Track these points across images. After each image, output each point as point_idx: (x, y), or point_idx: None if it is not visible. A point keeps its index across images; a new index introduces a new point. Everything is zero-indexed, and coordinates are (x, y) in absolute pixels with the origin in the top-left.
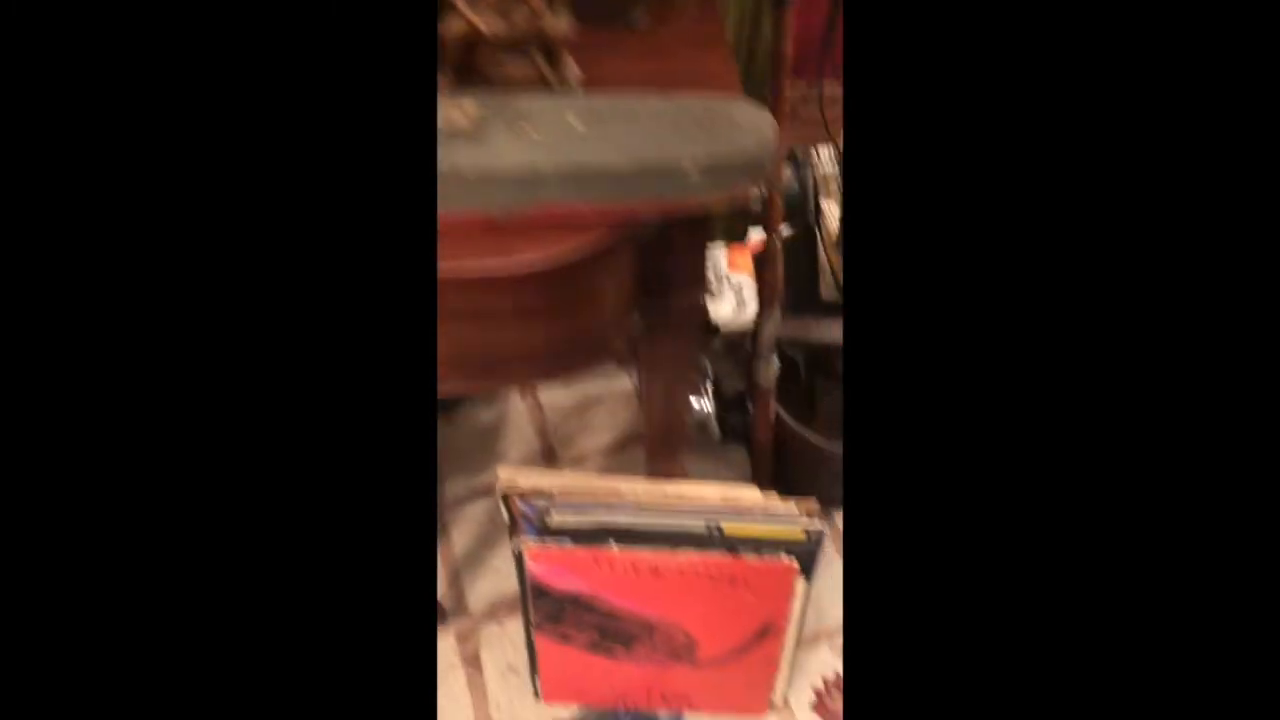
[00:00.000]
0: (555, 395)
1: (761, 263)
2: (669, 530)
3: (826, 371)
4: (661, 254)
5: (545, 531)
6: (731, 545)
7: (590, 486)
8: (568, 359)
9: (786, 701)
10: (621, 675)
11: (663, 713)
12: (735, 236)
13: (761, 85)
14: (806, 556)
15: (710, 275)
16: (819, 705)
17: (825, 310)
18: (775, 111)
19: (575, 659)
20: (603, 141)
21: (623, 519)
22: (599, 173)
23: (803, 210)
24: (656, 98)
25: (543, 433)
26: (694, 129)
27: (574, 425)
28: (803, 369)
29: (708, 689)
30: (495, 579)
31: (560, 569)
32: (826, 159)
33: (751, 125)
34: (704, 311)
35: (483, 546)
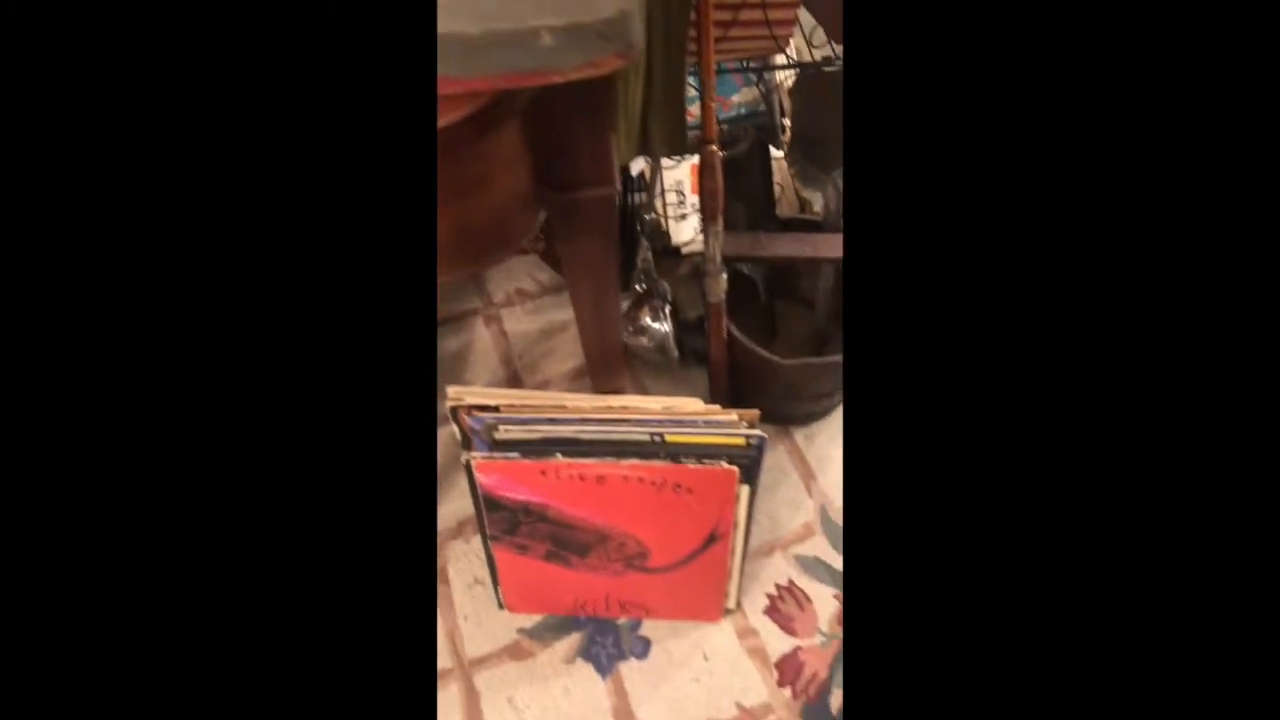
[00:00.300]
0: (520, 323)
1: (700, 175)
2: (613, 440)
3: (788, 293)
4: (559, 144)
5: (494, 444)
6: (674, 453)
7: (536, 400)
8: (472, 248)
9: (740, 606)
10: (579, 584)
11: (621, 620)
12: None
13: None
14: (748, 463)
15: (672, 196)
16: (771, 609)
17: (782, 226)
18: (701, 16)
19: (534, 569)
20: (451, 10)
21: (568, 431)
22: (447, 41)
23: (771, 127)
24: None
25: (507, 360)
26: None
27: (538, 352)
28: (762, 290)
29: (663, 596)
30: (462, 499)
31: (510, 480)
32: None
33: None
34: (611, 205)
35: (450, 468)
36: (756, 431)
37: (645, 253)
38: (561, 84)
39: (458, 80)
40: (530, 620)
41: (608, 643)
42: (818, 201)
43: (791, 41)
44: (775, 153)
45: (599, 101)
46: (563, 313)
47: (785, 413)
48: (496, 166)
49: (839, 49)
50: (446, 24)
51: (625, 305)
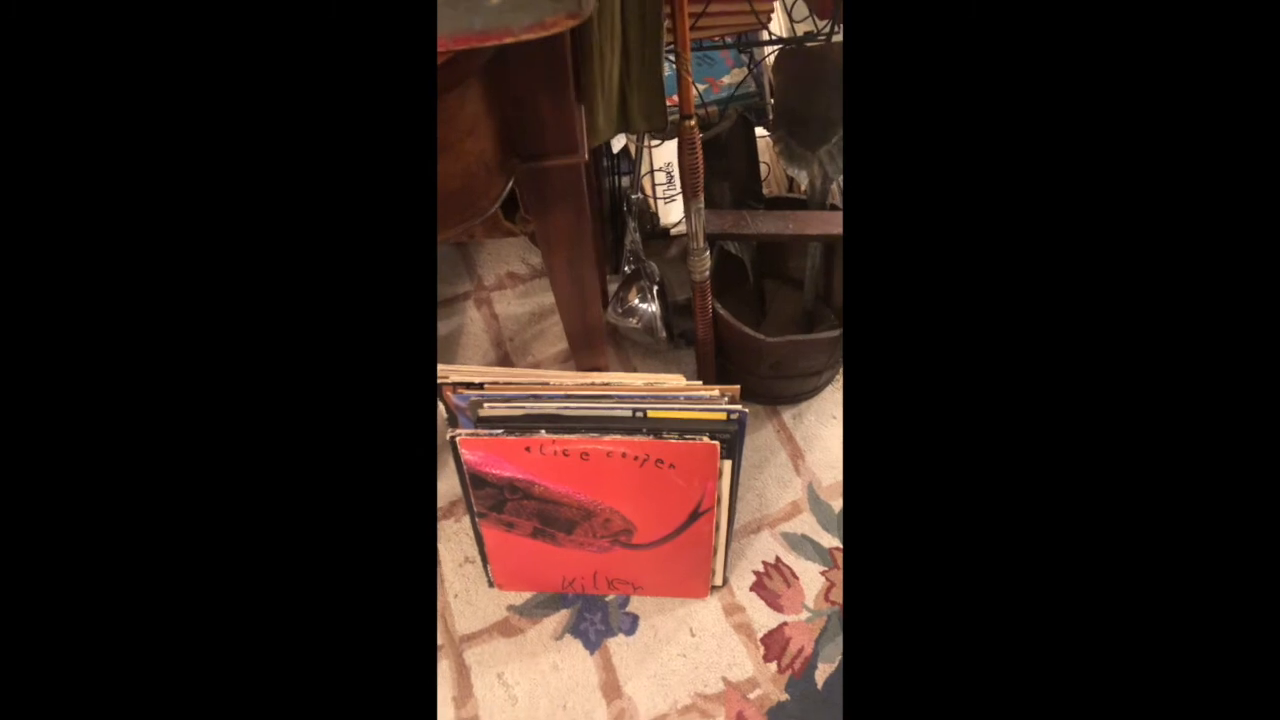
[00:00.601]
0: (510, 306)
1: (680, 151)
2: (596, 416)
3: (776, 273)
4: (521, 112)
5: (479, 421)
6: (656, 429)
7: (520, 378)
8: (440, 211)
9: (727, 583)
10: (567, 561)
11: (609, 597)
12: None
13: None
14: (729, 437)
15: (661, 177)
16: (758, 586)
17: (768, 205)
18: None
19: (522, 547)
20: None
21: (551, 407)
22: None
23: (761, 107)
24: None
25: (498, 342)
26: None
27: (529, 334)
28: (750, 270)
29: (650, 572)
30: (451, 479)
31: (495, 457)
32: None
33: None
34: (579, 174)
35: (440, 450)
36: (737, 406)
37: (633, 234)
38: (519, 50)
39: None
40: (520, 598)
41: (596, 619)
42: (803, 180)
43: (774, 16)
44: (763, 131)
45: (559, 69)
46: (552, 296)
47: (773, 392)
48: (459, 131)
49: (821, 23)
50: None
51: (614, 287)
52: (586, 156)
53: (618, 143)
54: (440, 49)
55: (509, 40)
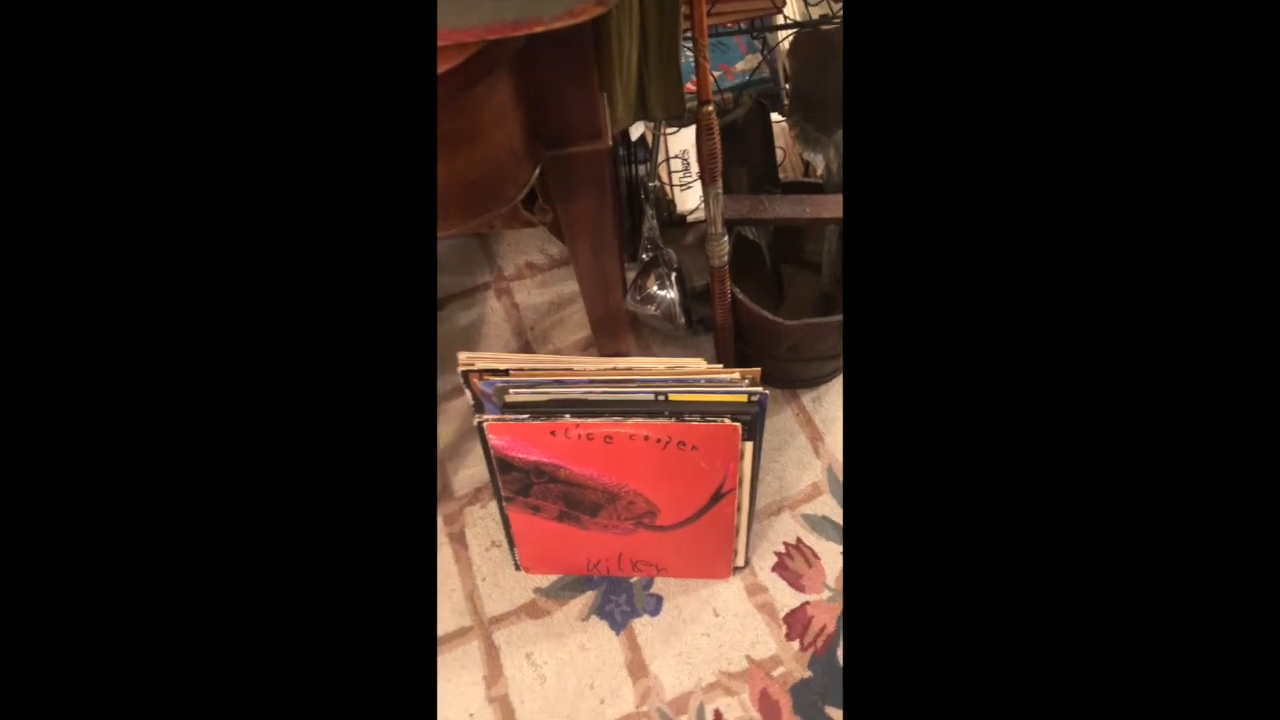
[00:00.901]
0: (530, 295)
1: (698, 136)
2: (619, 401)
3: (793, 258)
4: (548, 99)
5: (505, 407)
6: (678, 411)
7: (545, 364)
8: (469, 199)
9: (749, 564)
10: (592, 544)
11: (634, 579)
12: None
13: None
14: (750, 419)
15: (677, 164)
16: (779, 566)
17: (784, 190)
18: None
19: (547, 530)
20: None
21: (575, 392)
22: None
23: (775, 92)
24: None
25: (519, 331)
26: None
27: (548, 323)
28: (767, 255)
29: (673, 554)
30: (478, 466)
31: (521, 441)
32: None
33: None
34: (603, 160)
35: (465, 438)
36: (758, 388)
37: (651, 221)
38: (547, 39)
39: (445, 32)
40: (546, 580)
41: (621, 600)
42: (820, 164)
43: (789, 0)
44: (778, 117)
45: (583, 57)
46: (572, 285)
47: (792, 375)
48: (487, 119)
49: (836, 6)
50: None
51: (632, 274)
52: (610, 143)
53: (634, 131)
54: (473, 39)
55: (539, 29)
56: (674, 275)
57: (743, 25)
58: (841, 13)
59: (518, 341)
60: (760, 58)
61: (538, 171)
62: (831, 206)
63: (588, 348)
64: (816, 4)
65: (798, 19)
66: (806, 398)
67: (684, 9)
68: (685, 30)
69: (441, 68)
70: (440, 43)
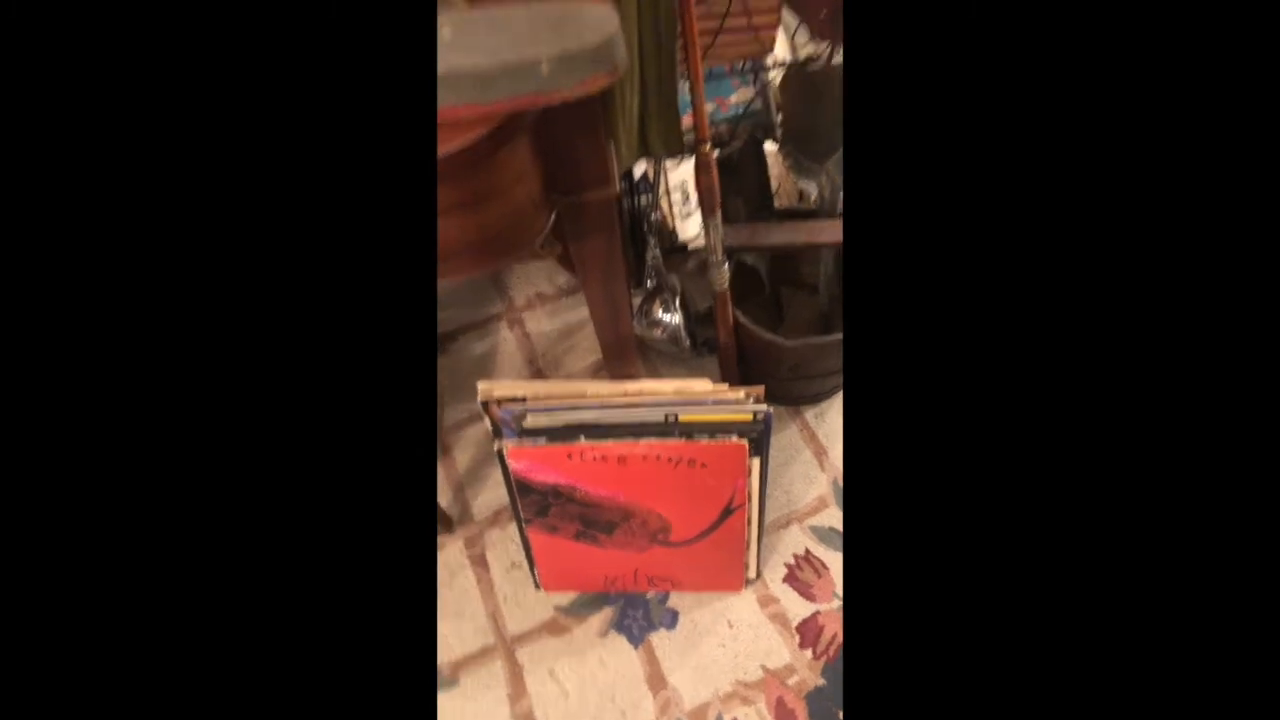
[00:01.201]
0: (541, 324)
1: (697, 173)
2: (631, 423)
3: (791, 280)
4: (562, 154)
5: (523, 432)
6: (687, 431)
7: (559, 390)
8: (494, 247)
9: (761, 576)
10: (609, 561)
11: (650, 594)
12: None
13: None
14: (756, 436)
15: (677, 195)
16: (790, 577)
17: (780, 217)
18: (686, 29)
19: (566, 549)
20: (469, 48)
21: (589, 416)
22: (468, 75)
23: (767, 123)
24: (519, 5)
25: (531, 359)
26: (546, 31)
27: (560, 350)
28: (766, 279)
29: (687, 569)
30: (496, 490)
31: (539, 465)
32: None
33: (596, 22)
34: (612, 205)
35: (483, 464)
36: (763, 406)
37: (654, 250)
38: (561, 103)
39: (475, 107)
40: (565, 598)
41: (638, 616)
42: (813, 191)
43: (778, 40)
44: (771, 147)
45: (594, 116)
46: (580, 313)
47: (794, 393)
48: (511, 177)
49: (822, 45)
50: (465, 60)
51: (638, 300)
52: (618, 189)
53: (637, 167)
54: (500, 110)
55: (558, 100)
56: (678, 300)
57: (739, 65)
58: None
59: (530, 369)
60: (753, 90)
61: (553, 216)
62: (826, 231)
63: (598, 372)
64: (804, 45)
65: (788, 58)
66: (810, 414)
67: (679, 53)
68: (681, 72)
69: (472, 136)
70: (471, 115)
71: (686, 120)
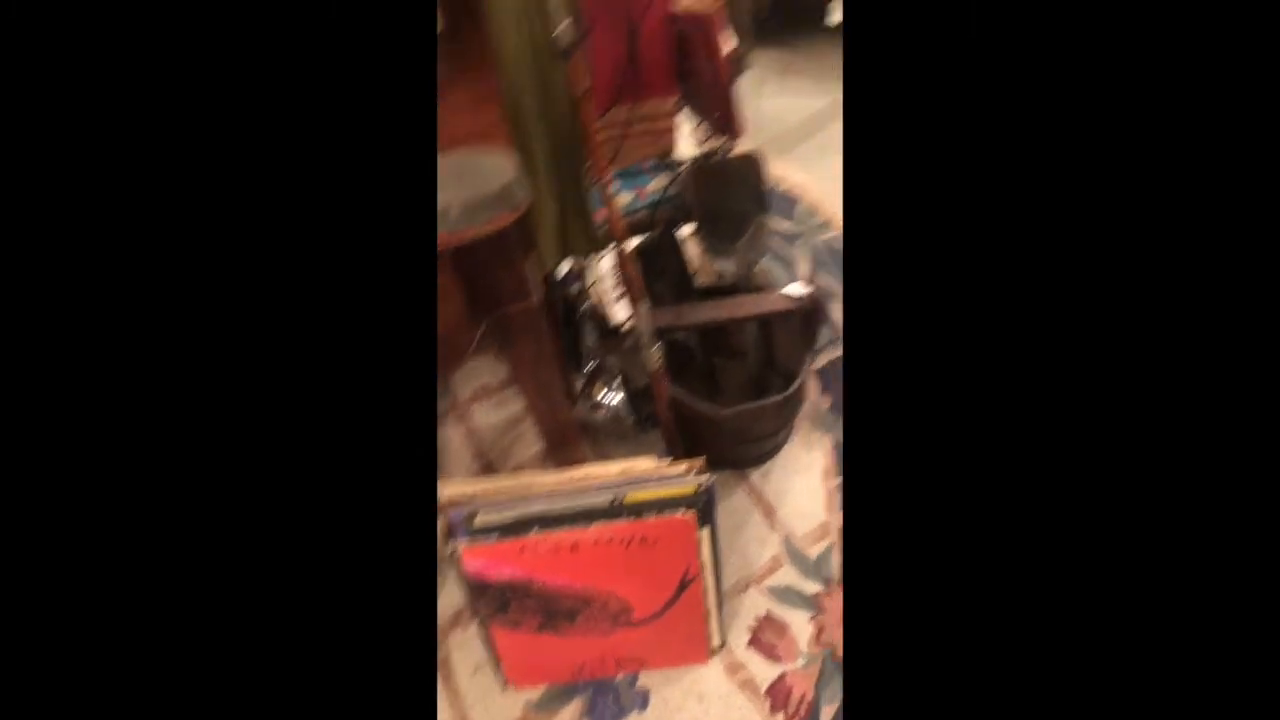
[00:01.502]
0: (488, 416)
1: (620, 267)
2: (579, 509)
3: (721, 350)
4: (481, 278)
5: (474, 531)
6: (635, 510)
7: (506, 484)
8: None
9: (725, 643)
10: (574, 650)
11: (619, 677)
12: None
13: (569, 120)
14: (702, 506)
15: (608, 282)
16: (754, 640)
17: (703, 295)
18: (587, 143)
19: (530, 643)
20: None
21: (538, 508)
22: None
23: (684, 205)
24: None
25: (479, 453)
26: (453, 180)
27: (508, 440)
28: (698, 351)
29: (652, 647)
30: (455, 591)
31: (494, 561)
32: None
33: (495, 171)
34: (535, 313)
35: (441, 565)
36: (705, 477)
37: (590, 335)
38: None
39: None
40: (535, 693)
41: (609, 701)
42: (729, 269)
43: (680, 138)
44: (690, 228)
45: (506, 242)
46: (523, 402)
47: (736, 457)
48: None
49: (721, 140)
50: None
51: (579, 384)
52: (538, 300)
53: (565, 264)
54: None
55: (469, 238)
56: (618, 380)
57: (648, 164)
58: (726, 148)
59: (479, 463)
60: (667, 178)
61: (483, 328)
62: (747, 305)
63: (548, 458)
64: (704, 141)
65: (692, 153)
66: (755, 476)
67: (586, 162)
68: (592, 182)
69: None
70: None
71: (603, 214)
